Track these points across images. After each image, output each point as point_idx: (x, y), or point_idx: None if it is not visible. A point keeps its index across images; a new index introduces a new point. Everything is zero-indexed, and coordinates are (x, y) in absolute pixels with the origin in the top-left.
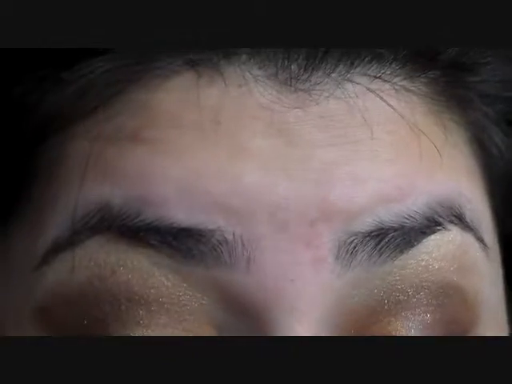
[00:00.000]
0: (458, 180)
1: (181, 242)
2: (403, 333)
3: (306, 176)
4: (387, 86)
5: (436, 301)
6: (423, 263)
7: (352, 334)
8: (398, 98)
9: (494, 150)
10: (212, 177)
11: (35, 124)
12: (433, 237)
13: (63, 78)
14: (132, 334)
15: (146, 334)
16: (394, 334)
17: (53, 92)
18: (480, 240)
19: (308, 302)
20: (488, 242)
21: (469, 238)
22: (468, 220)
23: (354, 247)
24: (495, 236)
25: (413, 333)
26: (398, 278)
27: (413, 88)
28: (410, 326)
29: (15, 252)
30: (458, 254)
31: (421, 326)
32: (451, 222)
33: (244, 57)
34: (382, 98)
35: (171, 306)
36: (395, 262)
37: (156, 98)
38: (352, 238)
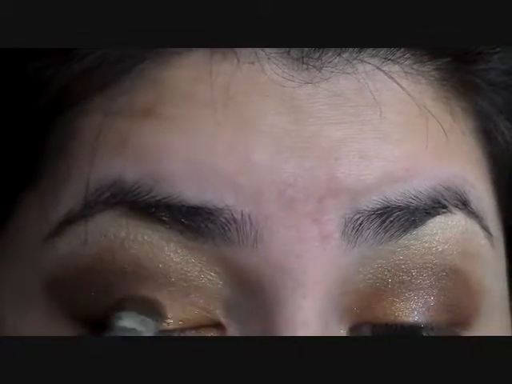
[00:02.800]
0: (464, 166)
1: (190, 220)
2: (406, 314)
3: (315, 153)
4: (397, 67)
5: (439, 283)
6: (427, 245)
7: (355, 311)
8: (408, 80)
9: (500, 140)
10: (221, 154)
11: (49, 98)
12: (437, 219)
13: (77, 53)
14: (138, 306)
15: (151, 308)
16: (396, 314)
17: (66, 67)
18: (485, 228)
19: (314, 278)
20: (493, 231)
21: (473, 225)
22: (473, 206)
23: (360, 224)
24: (500, 226)
25: (416, 315)
26: (401, 257)
27: (422, 72)
28: (414, 307)
29: (25, 225)
30: (462, 240)
31: (424, 309)
32: (456, 206)
33: None
34: (391, 78)
35: (178, 281)
36: (399, 241)
37: (168, 74)
38: (358, 216)
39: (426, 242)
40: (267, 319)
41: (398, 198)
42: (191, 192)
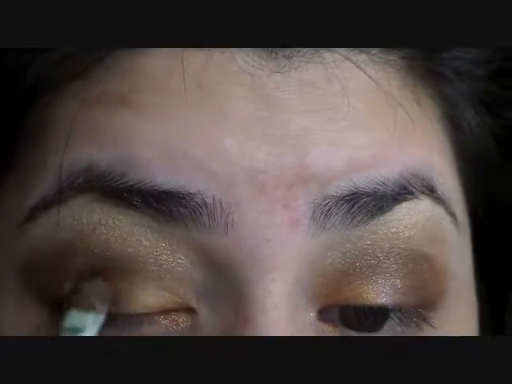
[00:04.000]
0: (430, 154)
1: (162, 204)
2: (374, 296)
3: (285, 140)
4: (364, 56)
5: (406, 267)
6: (393, 230)
7: (324, 295)
8: (375, 69)
9: (466, 127)
10: (193, 140)
11: (25, 85)
12: (404, 205)
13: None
14: (108, 291)
15: (123, 293)
16: (364, 296)
17: (41, 56)
18: (451, 213)
19: (283, 262)
20: (459, 216)
21: (440, 211)
22: (439, 192)
23: (329, 210)
24: (466, 212)
25: (383, 297)
26: (369, 242)
27: (389, 60)
28: (381, 290)
29: (2, 212)
30: (429, 225)
31: (391, 291)
32: (423, 192)
33: None
34: (359, 67)
35: (149, 265)
36: (367, 226)
37: (141, 62)
38: (327, 201)
39: (393, 228)
40: (239, 303)
41: (366, 184)
42: (163, 177)
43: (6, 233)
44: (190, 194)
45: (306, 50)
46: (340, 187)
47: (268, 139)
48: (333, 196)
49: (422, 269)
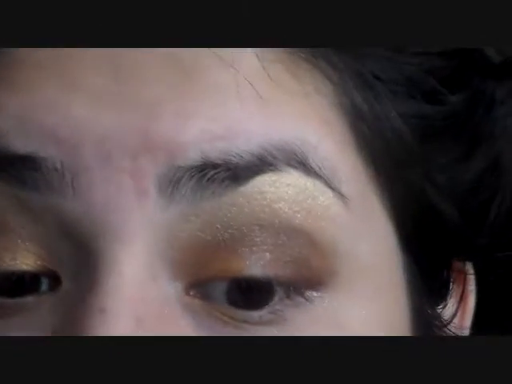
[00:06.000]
0: (305, 128)
1: (16, 169)
2: (244, 270)
3: (134, 110)
4: None
5: (274, 240)
6: (256, 202)
7: (191, 268)
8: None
9: (366, 111)
10: (45, 109)
11: None
12: (266, 178)
13: None
14: None
15: None
16: (233, 268)
17: None
18: (333, 188)
19: (131, 233)
20: (347, 193)
21: (317, 185)
22: (313, 166)
23: (177, 181)
24: (369, 192)
25: (253, 270)
26: (229, 214)
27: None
28: (248, 263)
29: None
30: (302, 199)
31: (260, 263)
32: (290, 165)
33: None
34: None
35: (16, 228)
36: (223, 198)
37: None
38: (175, 172)
39: (256, 200)
40: (93, 271)
41: (218, 155)
42: (19, 144)
43: None
44: (42, 158)
45: None
46: (189, 158)
47: (116, 108)
48: (181, 167)
49: (298, 243)
